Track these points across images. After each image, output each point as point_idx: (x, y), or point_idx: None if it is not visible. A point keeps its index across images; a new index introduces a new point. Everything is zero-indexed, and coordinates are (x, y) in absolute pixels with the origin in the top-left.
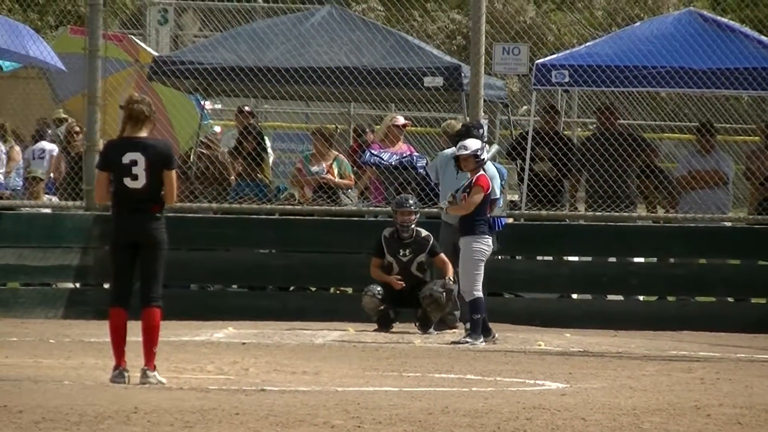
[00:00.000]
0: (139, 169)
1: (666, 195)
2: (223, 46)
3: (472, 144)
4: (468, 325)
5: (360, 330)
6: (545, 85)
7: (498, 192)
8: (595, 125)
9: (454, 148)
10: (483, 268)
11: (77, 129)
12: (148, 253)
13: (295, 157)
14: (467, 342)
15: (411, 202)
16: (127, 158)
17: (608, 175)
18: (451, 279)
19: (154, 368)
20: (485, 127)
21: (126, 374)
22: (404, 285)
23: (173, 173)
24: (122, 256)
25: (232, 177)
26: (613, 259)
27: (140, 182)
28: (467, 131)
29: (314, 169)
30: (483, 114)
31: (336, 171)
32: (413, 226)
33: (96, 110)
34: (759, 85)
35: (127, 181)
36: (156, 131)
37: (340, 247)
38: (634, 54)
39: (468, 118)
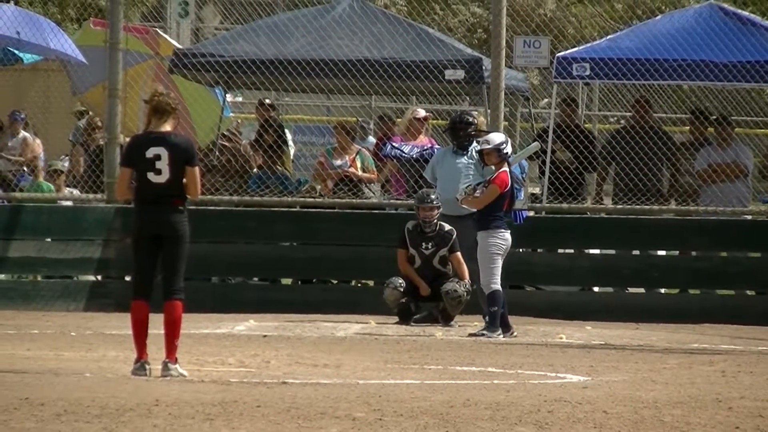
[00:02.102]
0: (163, 164)
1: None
2: (243, 38)
3: (495, 138)
4: (487, 318)
5: (381, 323)
6: (566, 78)
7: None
8: (625, 119)
9: (450, 146)
10: (500, 261)
11: (98, 123)
12: (170, 246)
13: (316, 149)
14: (484, 334)
15: (433, 197)
16: (150, 153)
17: (639, 168)
18: (470, 281)
19: (176, 361)
20: (474, 122)
21: (147, 367)
22: (430, 291)
23: (196, 169)
24: (144, 249)
25: (255, 170)
26: (634, 252)
27: (164, 177)
28: (453, 125)
29: (337, 162)
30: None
31: (359, 165)
32: (435, 220)
33: (117, 103)
34: None
35: (151, 176)
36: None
37: (360, 240)
38: (655, 47)
39: (489, 111)
